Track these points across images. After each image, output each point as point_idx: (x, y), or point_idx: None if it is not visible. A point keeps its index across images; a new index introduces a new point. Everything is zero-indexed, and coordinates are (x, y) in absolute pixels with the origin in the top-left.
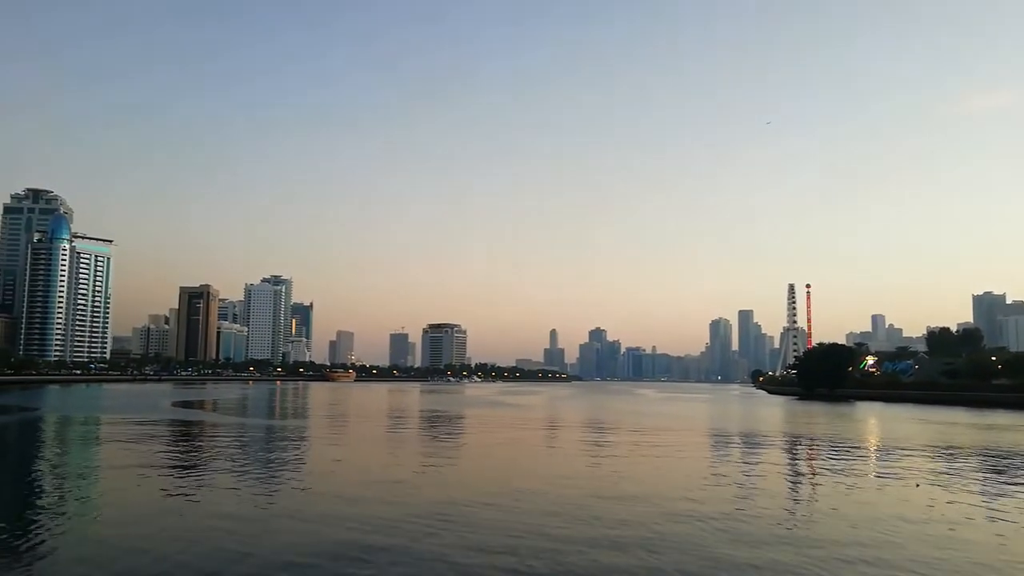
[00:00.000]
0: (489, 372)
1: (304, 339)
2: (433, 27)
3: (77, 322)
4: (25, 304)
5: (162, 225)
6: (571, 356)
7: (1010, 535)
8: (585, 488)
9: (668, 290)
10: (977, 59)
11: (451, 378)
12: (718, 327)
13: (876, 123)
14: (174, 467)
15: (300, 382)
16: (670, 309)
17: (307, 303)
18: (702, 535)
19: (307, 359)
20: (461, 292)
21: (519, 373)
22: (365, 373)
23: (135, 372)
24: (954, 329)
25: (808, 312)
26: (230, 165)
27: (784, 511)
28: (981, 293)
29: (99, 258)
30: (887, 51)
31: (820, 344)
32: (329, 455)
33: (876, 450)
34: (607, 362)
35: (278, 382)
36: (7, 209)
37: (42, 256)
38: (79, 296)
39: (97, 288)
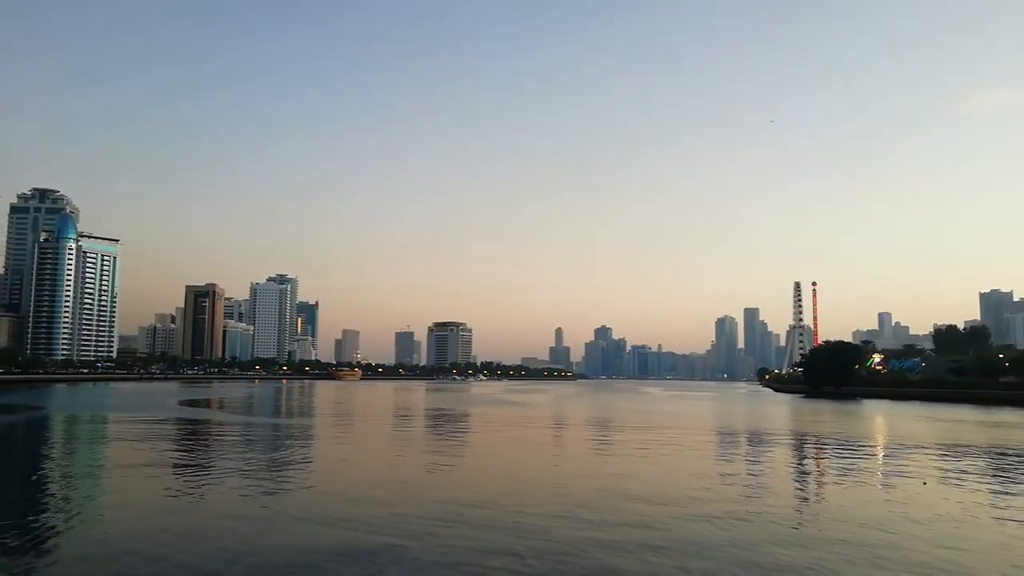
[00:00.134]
0: (494, 370)
1: (310, 338)
2: (434, 26)
3: (84, 321)
4: (32, 303)
5: (168, 224)
6: (576, 354)
7: (1019, 535)
8: (590, 487)
9: (674, 288)
10: (978, 58)
11: (456, 376)
12: (724, 325)
13: (880, 122)
14: (180, 466)
15: (306, 381)
16: (676, 307)
17: (313, 302)
18: (707, 536)
19: (313, 358)
20: (467, 290)
21: (524, 371)
22: (371, 371)
23: (141, 371)
24: (961, 327)
25: (814, 310)
26: (235, 165)
27: (790, 510)
28: (988, 291)
29: (105, 257)
30: (888, 51)
31: (826, 342)
32: (334, 454)
33: (883, 448)
34: (612, 360)
35: (284, 381)
36: (14, 209)
37: (49, 255)
38: (86, 295)
39: (104, 287)
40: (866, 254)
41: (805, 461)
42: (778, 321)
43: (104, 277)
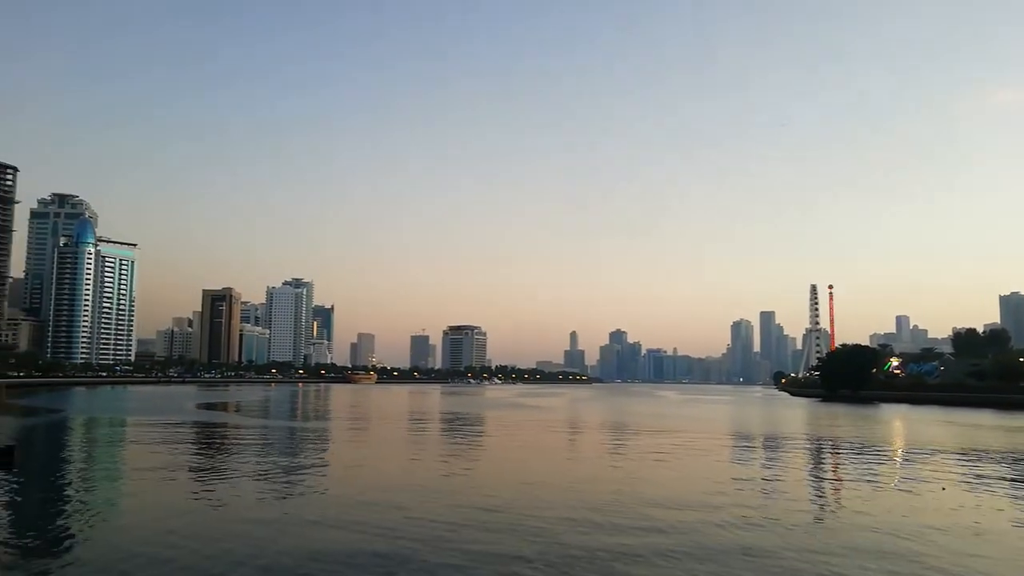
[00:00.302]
0: (509, 374)
1: (325, 341)
2: (441, 25)
3: (102, 325)
4: (52, 307)
5: (184, 228)
6: (591, 358)
7: None
8: (604, 492)
9: (689, 291)
10: (1002, 53)
11: (471, 380)
12: (739, 329)
13: (898, 121)
14: (196, 469)
15: (322, 384)
16: (691, 310)
17: (328, 305)
18: (720, 542)
19: (328, 361)
20: (481, 294)
21: (539, 375)
22: (386, 375)
23: (159, 374)
24: (980, 330)
25: (831, 313)
26: (251, 167)
27: (805, 516)
28: (1008, 293)
29: (123, 262)
30: (909, 47)
31: (843, 345)
32: (349, 457)
33: (901, 453)
34: (628, 364)
35: (300, 384)
36: (34, 214)
37: (68, 260)
38: (104, 299)
39: (122, 291)
40: (883, 257)
41: (821, 466)
42: (794, 324)
43: (122, 281)
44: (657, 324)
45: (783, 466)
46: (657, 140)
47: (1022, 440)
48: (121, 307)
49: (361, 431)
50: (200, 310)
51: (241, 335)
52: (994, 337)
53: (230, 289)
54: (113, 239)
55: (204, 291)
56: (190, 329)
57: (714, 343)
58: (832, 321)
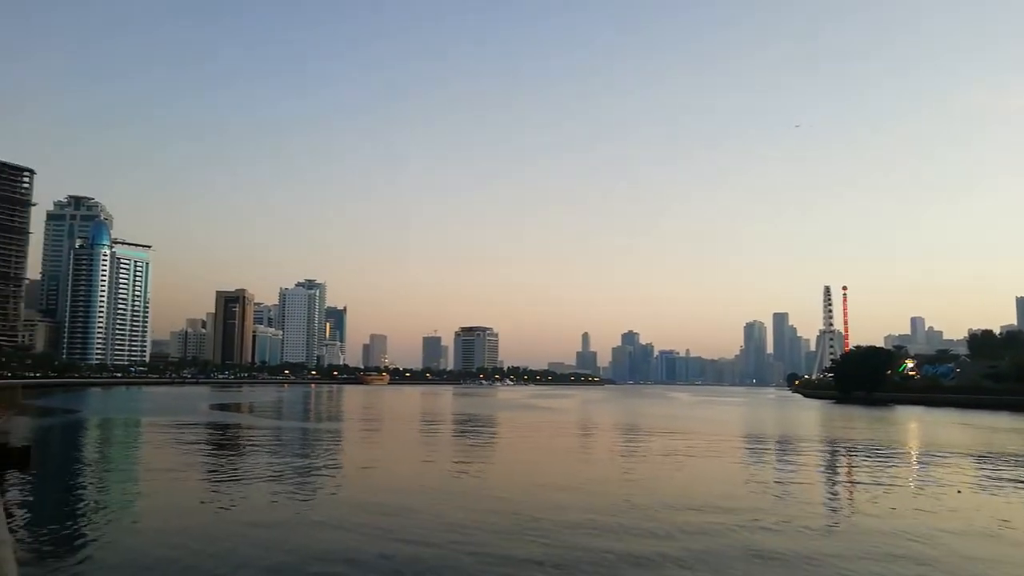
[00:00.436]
0: (521, 375)
1: (338, 342)
2: (454, 25)
3: (117, 326)
4: (68, 309)
5: (196, 229)
6: (603, 359)
7: None
8: (615, 495)
9: (702, 292)
10: (1019, 57)
11: (483, 381)
12: (752, 330)
13: (912, 122)
14: (209, 470)
15: (334, 385)
16: (704, 312)
17: (341, 307)
18: (732, 546)
19: (341, 362)
20: (493, 295)
21: (551, 376)
22: (398, 376)
23: (173, 375)
24: (997, 331)
25: (844, 315)
26: (264, 169)
27: (818, 519)
28: None
29: (138, 263)
30: (923, 49)
31: (858, 347)
32: (361, 459)
33: (916, 455)
34: (640, 365)
35: (313, 385)
36: (50, 216)
37: (84, 262)
38: (119, 300)
39: (136, 292)
40: (898, 257)
41: (835, 468)
42: (808, 326)
43: (137, 283)
44: (669, 325)
45: (797, 468)
46: (669, 141)
47: None
48: (136, 308)
49: (374, 432)
50: (214, 311)
51: (254, 336)
52: (1011, 338)
53: (243, 291)
54: (128, 241)
55: (217, 292)
56: (204, 330)
57: (727, 344)
58: (846, 322)
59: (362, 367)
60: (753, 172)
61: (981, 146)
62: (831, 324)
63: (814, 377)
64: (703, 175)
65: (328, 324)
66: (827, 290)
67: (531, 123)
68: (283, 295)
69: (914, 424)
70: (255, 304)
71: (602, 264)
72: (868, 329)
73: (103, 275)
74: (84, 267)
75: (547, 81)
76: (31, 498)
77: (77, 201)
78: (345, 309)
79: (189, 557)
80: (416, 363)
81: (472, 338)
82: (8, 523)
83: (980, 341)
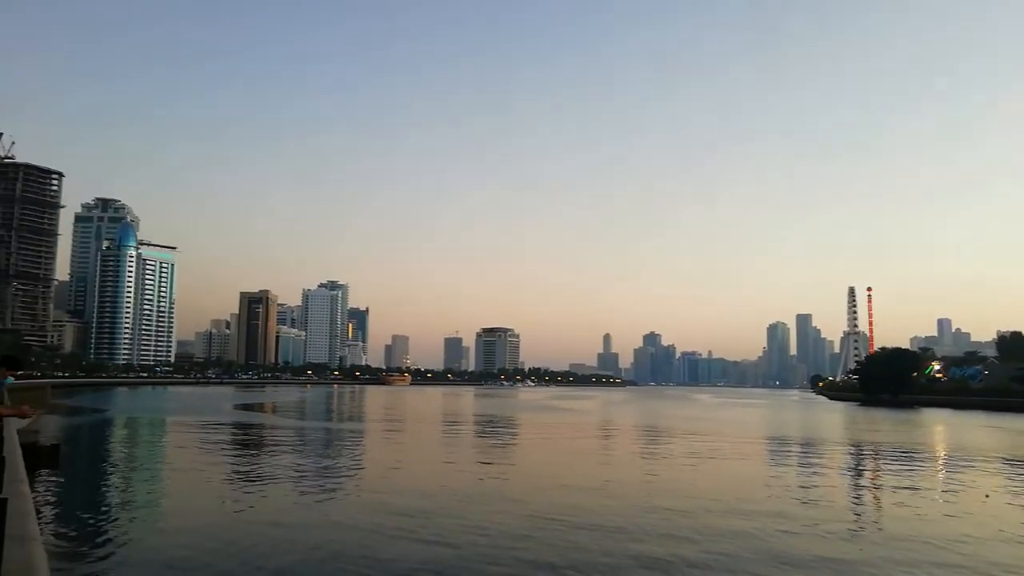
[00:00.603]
0: (542, 376)
1: (360, 343)
2: (472, 25)
3: (143, 327)
4: (95, 309)
5: (222, 231)
6: (625, 361)
7: None
8: (636, 499)
9: (724, 294)
10: None
11: (504, 382)
12: (776, 331)
13: (941, 122)
14: (230, 470)
15: (357, 386)
16: (726, 313)
17: (363, 308)
18: (753, 550)
19: (363, 363)
20: (514, 296)
21: (572, 378)
22: (420, 377)
23: (198, 375)
24: None
25: (870, 316)
26: (285, 170)
27: (842, 524)
28: None
29: (164, 265)
30: (942, 50)
31: (883, 349)
32: (382, 460)
33: (942, 459)
34: (662, 367)
35: (335, 385)
36: (78, 218)
37: (111, 263)
38: (145, 301)
39: (162, 294)
40: (924, 258)
41: (859, 471)
42: (832, 327)
43: (163, 284)
44: (692, 326)
45: (820, 471)
46: (693, 141)
47: None
48: (161, 309)
49: (395, 433)
50: (237, 312)
51: (277, 337)
52: None
53: (267, 292)
54: (154, 242)
55: (241, 294)
56: (228, 331)
57: (750, 346)
58: (871, 324)
59: (384, 368)
60: (778, 172)
61: (1011, 144)
62: (856, 325)
63: (838, 379)
64: (726, 175)
65: (351, 325)
66: (852, 291)
67: (555, 123)
68: (306, 296)
69: (940, 427)
70: (278, 305)
71: (624, 265)
72: (894, 331)
73: (129, 276)
74: (111, 268)
75: (568, 80)
76: (60, 496)
77: (104, 203)
78: (367, 310)
79: (209, 556)
80: (437, 364)
81: (493, 339)
82: (38, 519)
83: (1009, 343)
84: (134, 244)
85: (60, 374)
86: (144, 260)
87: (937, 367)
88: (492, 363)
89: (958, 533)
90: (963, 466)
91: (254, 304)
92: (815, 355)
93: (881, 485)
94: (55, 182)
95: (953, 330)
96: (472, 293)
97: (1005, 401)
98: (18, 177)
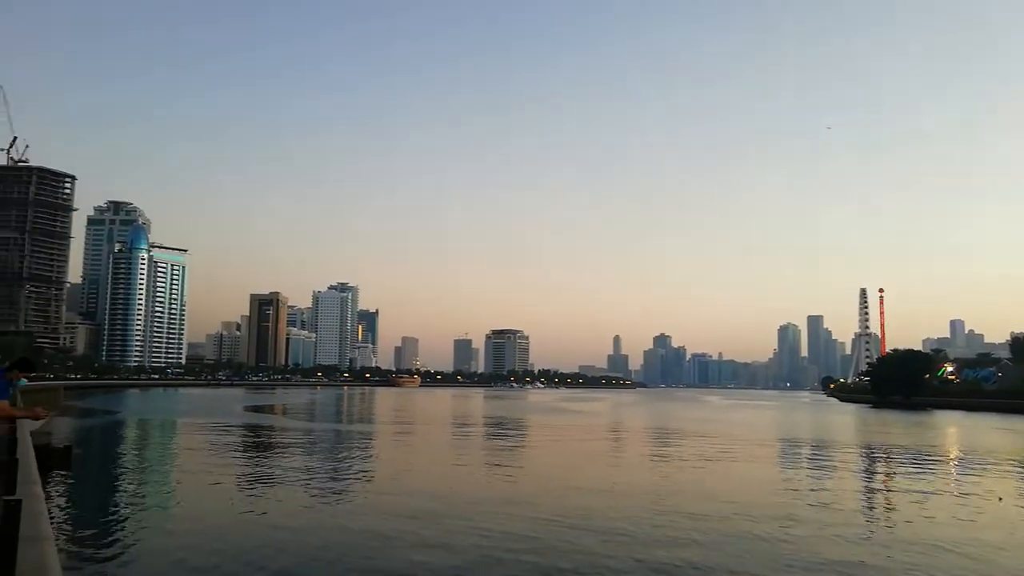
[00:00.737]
0: (552, 378)
1: (370, 345)
2: (479, 25)
3: (155, 329)
4: (107, 312)
5: (224, 232)
6: (635, 362)
7: None
8: (646, 502)
9: (734, 295)
10: None
11: (514, 384)
12: (786, 333)
13: (950, 123)
14: (240, 471)
15: (367, 387)
16: (737, 314)
17: (373, 310)
18: (761, 555)
19: (373, 365)
20: (524, 298)
21: (582, 379)
22: (430, 378)
23: (209, 377)
24: None
25: (881, 317)
26: (285, 170)
27: (852, 528)
28: None
29: (175, 267)
30: (954, 48)
31: (895, 350)
32: (392, 463)
33: (955, 461)
34: (672, 368)
35: (345, 387)
36: (91, 221)
37: (122, 266)
38: (156, 304)
39: (173, 296)
40: (936, 259)
41: (871, 473)
42: (843, 329)
43: (174, 286)
44: (702, 328)
45: (831, 474)
46: (702, 144)
47: None
48: (172, 311)
49: (405, 435)
50: (248, 314)
51: (288, 339)
52: None
53: (277, 294)
54: (165, 245)
55: (252, 296)
56: (238, 333)
57: (760, 347)
58: (883, 325)
59: (394, 369)
60: (787, 174)
61: (1019, 146)
62: (867, 327)
63: (850, 381)
64: (736, 178)
65: (360, 327)
66: (863, 292)
67: (563, 124)
68: (316, 298)
69: (953, 429)
70: (288, 307)
71: (634, 267)
72: (905, 332)
73: (141, 279)
74: (123, 271)
75: (568, 80)
76: (72, 497)
77: (116, 206)
78: (377, 312)
79: (218, 557)
80: (447, 365)
81: (503, 341)
82: (50, 520)
83: (1023, 344)
84: (146, 247)
85: (72, 376)
86: (155, 262)
87: (950, 369)
88: (502, 365)
89: (970, 537)
90: (976, 469)
91: (264, 306)
92: (826, 357)
93: (892, 488)
94: (68, 185)
95: (966, 331)
96: (482, 295)
97: (1019, 403)
98: (31, 180)
